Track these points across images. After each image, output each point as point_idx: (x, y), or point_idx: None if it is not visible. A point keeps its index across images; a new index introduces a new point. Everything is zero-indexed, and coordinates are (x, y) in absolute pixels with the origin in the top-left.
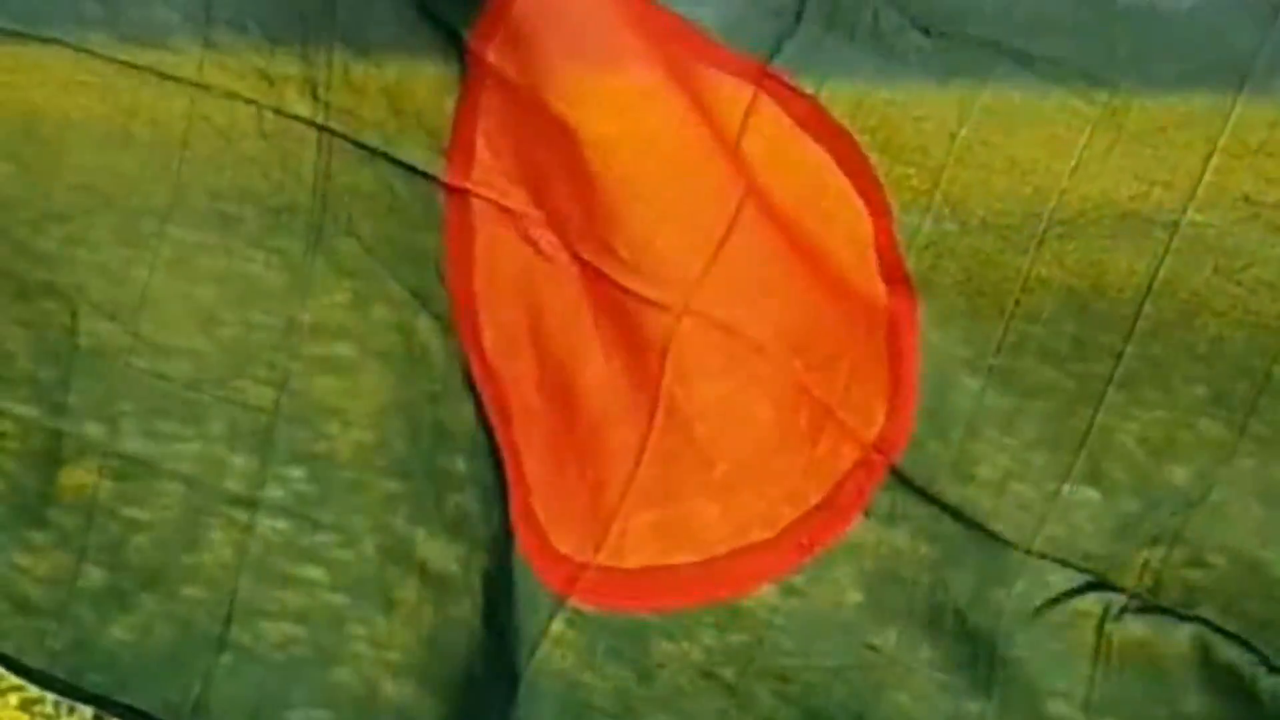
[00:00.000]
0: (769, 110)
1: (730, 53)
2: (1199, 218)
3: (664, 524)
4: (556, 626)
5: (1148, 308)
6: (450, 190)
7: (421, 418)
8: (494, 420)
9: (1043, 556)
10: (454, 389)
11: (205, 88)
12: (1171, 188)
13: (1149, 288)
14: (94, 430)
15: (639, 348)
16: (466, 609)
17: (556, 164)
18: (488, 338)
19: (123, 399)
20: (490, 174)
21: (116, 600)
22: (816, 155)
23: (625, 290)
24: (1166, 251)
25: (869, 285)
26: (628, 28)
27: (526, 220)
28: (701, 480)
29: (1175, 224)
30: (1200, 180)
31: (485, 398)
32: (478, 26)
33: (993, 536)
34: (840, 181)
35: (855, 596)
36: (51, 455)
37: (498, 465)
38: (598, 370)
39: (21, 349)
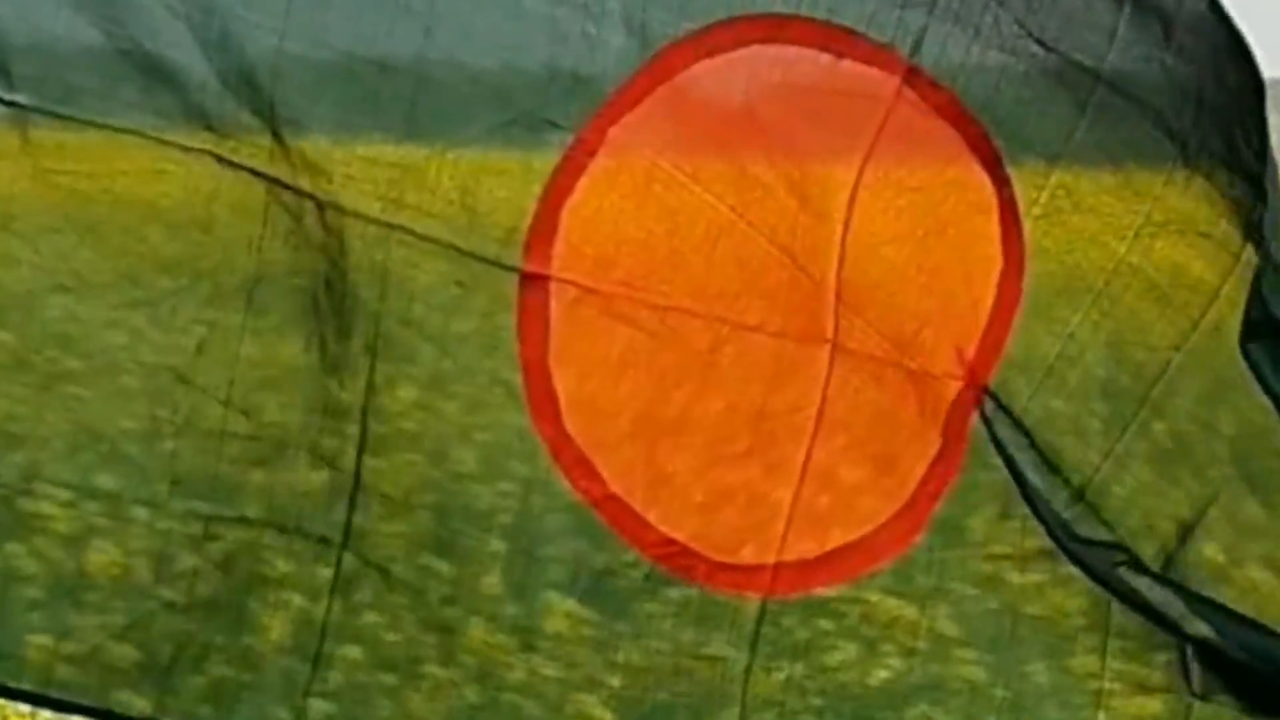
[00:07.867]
0: (910, 98)
1: (874, 46)
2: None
3: (829, 509)
4: (769, 625)
5: (1211, 315)
6: (526, 277)
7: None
8: (582, 483)
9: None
10: (540, 471)
11: (275, 179)
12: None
13: (1215, 293)
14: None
15: (777, 382)
16: (517, 679)
17: (684, 235)
18: (566, 410)
19: (219, 468)
20: (575, 259)
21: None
22: (952, 138)
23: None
24: (1233, 267)
25: (983, 248)
26: (758, 121)
27: (617, 298)
28: (852, 469)
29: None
30: None
31: (566, 465)
32: (594, 118)
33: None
34: (970, 163)
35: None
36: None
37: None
38: (726, 407)
39: (112, 426)
